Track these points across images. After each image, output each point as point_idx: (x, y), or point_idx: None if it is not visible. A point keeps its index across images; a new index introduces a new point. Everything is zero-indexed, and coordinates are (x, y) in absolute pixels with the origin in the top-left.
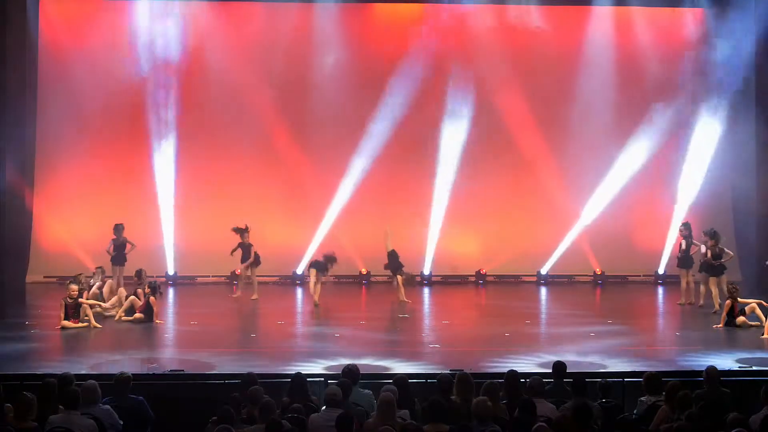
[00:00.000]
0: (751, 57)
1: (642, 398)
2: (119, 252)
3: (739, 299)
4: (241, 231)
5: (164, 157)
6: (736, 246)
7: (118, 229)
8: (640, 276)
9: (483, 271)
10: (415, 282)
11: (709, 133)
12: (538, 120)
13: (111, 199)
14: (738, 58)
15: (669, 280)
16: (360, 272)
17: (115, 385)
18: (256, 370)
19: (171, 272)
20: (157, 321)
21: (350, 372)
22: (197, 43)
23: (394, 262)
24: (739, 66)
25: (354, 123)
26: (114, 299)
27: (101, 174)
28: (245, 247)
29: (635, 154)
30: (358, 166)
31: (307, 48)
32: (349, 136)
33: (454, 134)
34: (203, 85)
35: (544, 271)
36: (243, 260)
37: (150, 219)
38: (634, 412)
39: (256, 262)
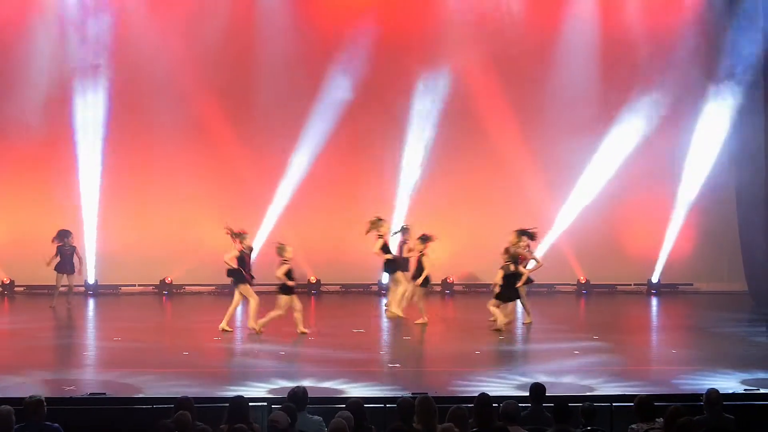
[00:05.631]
0: (760, 40)
1: (633, 425)
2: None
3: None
4: None
5: (88, 154)
6: (741, 251)
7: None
8: (630, 285)
9: (450, 280)
10: None
11: (710, 124)
12: (514, 112)
13: (28, 201)
14: (745, 41)
15: (664, 290)
16: (308, 281)
17: (25, 410)
18: (190, 393)
19: (91, 281)
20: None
21: (297, 395)
22: (128, 29)
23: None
24: (745, 49)
25: (303, 113)
26: None
27: (18, 175)
28: None
29: (625, 148)
30: (308, 161)
31: (248, 30)
32: (297, 128)
33: (419, 126)
34: (133, 76)
35: None
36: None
37: (70, 222)
38: None
39: None
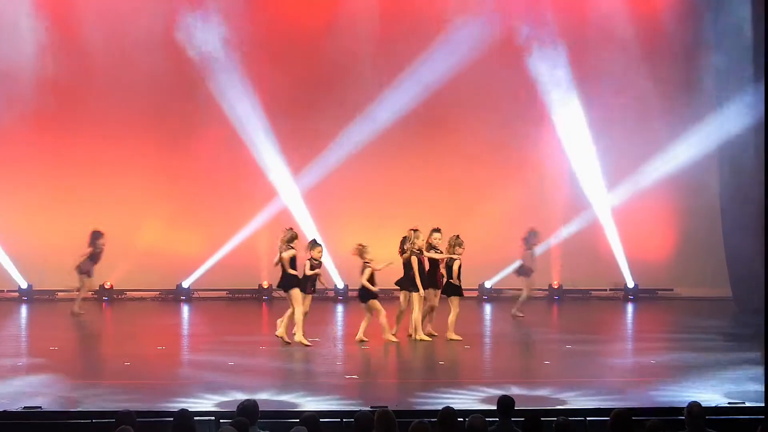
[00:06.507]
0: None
1: None
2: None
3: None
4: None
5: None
6: (726, 255)
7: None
8: (606, 290)
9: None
10: None
11: (693, 122)
12: (486, 105)
13: None
14: (730, 36)
15: (643, 295)
16: (260, 285)
17: None
18: (132, 407)
19: (24, 286)
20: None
21: (247, 409)
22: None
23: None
24: (730, 45)
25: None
26: None
27: None
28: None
29: (603, 145)
30: (261, 152)
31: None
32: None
33: (380, 115)
34: (68, 48)
35: (489, 284)
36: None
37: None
38: None
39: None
